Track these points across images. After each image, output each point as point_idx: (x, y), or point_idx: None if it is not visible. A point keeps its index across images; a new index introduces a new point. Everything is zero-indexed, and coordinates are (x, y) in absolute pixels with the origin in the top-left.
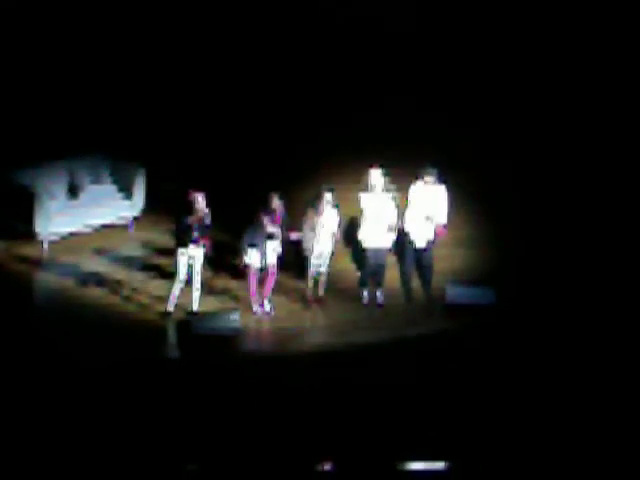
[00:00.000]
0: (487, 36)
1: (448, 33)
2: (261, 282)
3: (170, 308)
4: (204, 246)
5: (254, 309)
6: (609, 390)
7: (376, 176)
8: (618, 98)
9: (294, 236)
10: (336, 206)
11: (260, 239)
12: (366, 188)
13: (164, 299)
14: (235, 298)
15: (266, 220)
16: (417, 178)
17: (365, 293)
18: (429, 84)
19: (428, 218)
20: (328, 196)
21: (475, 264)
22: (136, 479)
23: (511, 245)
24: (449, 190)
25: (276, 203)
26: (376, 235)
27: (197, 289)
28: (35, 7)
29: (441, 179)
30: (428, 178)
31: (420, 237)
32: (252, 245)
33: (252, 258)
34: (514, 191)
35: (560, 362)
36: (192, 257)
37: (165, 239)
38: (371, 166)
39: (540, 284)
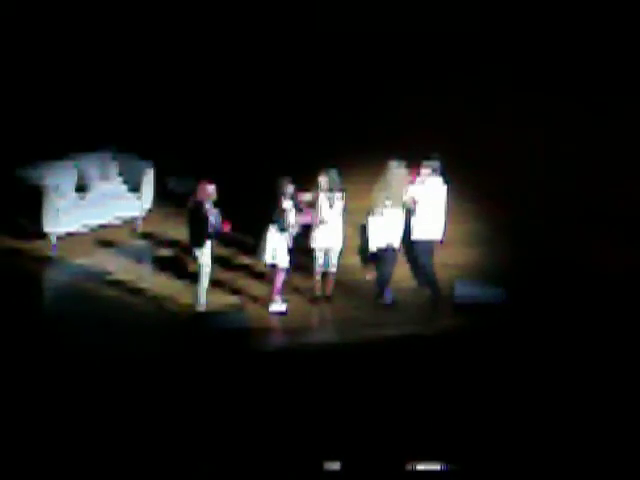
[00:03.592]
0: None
1: (454, 30)
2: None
3: (202, 302)
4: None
5: (274, 306)
6: (621, 391)
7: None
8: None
9: (304, 219)
10: (342, 190)
11: (283, 234)
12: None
13: (172, 295)
14: (243, 294)
15: (289, 206)
16: (419, 175)
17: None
18: (435, 79)
19: (433, 213)
20: (322, 180)
21: (484, 262)
22: (144, 476)
23: (521, 243)
24: (458, 188)
25: (291, 189)
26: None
27: (205, 282)
28: (41, 5)
29: (444, 177)
30: (428, 167)
31: (423, 231)
32: (276, 243)
33: (278, 256)
34: (525, 188)
35: (570, 362)
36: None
37: (174, 235)
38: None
39: (550, 282)
